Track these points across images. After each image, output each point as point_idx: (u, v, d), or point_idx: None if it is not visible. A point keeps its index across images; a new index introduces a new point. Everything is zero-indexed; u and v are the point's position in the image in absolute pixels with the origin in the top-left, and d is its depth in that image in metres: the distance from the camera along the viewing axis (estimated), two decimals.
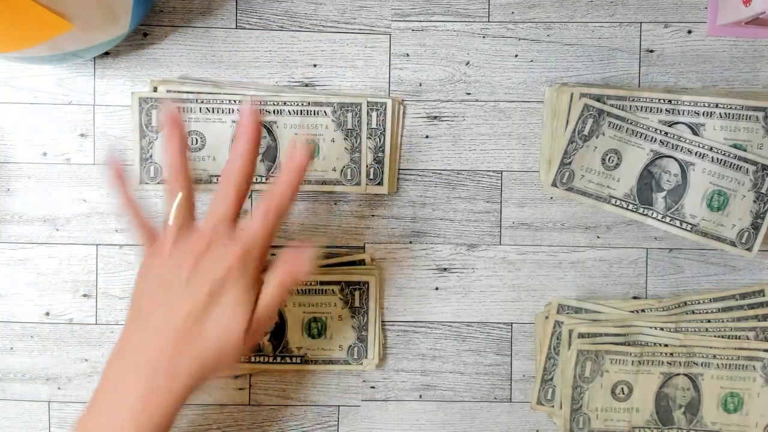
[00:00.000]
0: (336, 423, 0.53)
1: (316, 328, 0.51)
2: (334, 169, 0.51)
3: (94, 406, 0.42)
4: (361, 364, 0.51)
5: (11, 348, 0.52)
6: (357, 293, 0.51)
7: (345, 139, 0.51)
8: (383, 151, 0.51)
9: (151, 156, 0.50)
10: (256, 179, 0.51)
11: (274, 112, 0.50)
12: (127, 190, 0.44)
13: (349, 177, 0.51)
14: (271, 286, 0.43)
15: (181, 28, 0.52)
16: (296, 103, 0.50)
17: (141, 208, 0.44)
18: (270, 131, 0.51)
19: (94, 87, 0.52)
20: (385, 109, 0.51)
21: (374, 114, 0.51)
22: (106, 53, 0.51)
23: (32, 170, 0.52)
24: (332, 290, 0.51)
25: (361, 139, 0.51)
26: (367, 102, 0.50)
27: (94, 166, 0.52)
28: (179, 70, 0.52)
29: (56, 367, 0.52)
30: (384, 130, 0.51)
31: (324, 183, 0.51)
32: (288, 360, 0.52)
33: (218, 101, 0.50)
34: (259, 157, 0.51)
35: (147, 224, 0.44)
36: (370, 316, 0.51)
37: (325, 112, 0.50)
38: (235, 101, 0.50)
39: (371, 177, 0.51)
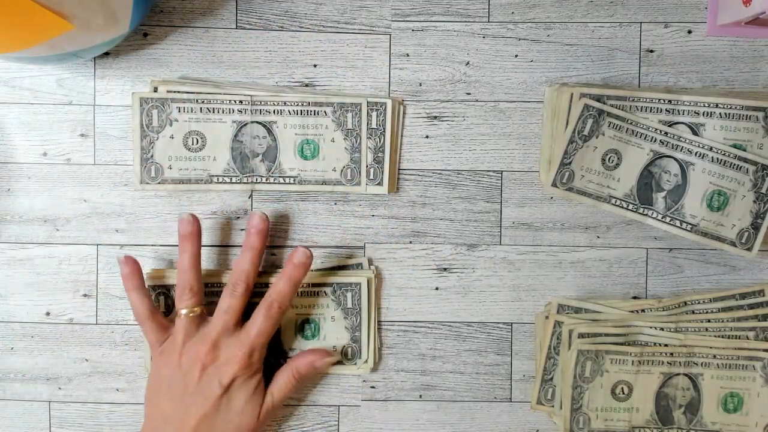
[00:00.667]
0: (336, 423, 0.53)
1: (309, 330, 0.51)
2: (334, 169, 0.51)
3: None
4: (355, 364, 0.51)
5: (11, 348, 0.52)
6: (349, 294, 0.51)
7: (345, 139, 0.51)
8: (383, 151, 0.51)
9: (151, 156, 0.50)
10: (256, 179, 0.51)
11: (274, 112, 0.50)
12: (143, 289, 0.48)
13: (349, 177, 0.51)
14: (281, 380, 0.49)
15: (181, 28, 0.52)
16: (296, 103, 0.50)
17: (153, 307, 0.48)
18: (270, 131, 0.51)
19: (94, 87, 0.52)
20: (385, 109, 0.51)
21: (374, 114, 0.51)
22: (106, 53, 0.51)
23: (32, 170, 0.52)
24: (324, 292, 0.51)
25: (361, 139, 0.51)
26: (367, 102, 0.50)
27: (94, 166, 0.52)
28: (179, 70, 0.52)
29: (56, 367, 0.52)
30: (384, 130, 0.51)
31: (324, 183, 0.51)
32: (283, 362, 0.51)
33: (218, 101, 0.50)
34: (259, 157, 0.51)
35: (160, 322, 0.48)
36: (363, 317, 0.51)
37: (325, 112, 0.50)
38: (235, 101, 0.50)
39: (371, 177, 0.51)
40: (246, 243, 0.49)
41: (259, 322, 0.47)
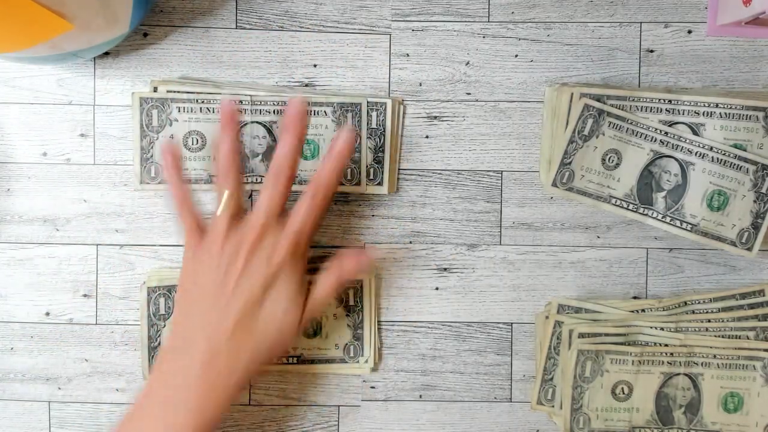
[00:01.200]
0: (336, 423, 0.53)
1: (311, 327, 0.51)
2: None
3: (139, 411, 0.41)
4: (357, 362, 0.51)
5: (11, 348, 0.52)
6: (351, 291, 0.51)
7: None
8: (383, 151, 0.51)
9: (151, 156, 0.50)
10: (255, 179, 0.51)
11: (273, 112, 0.50)
12: (181, 180, 0.44)
13: (349, 177, 0.51)
14: (326, 281, 0.44)
15: (181, 28, 0.52)
16: None
17: (193, 200, 0.44)
18: (270, 131, 0.51)
19: (94, 87, 0.52)
20: (385, 109, 0.51)
21: (374, 114, 0.51)
22: (106, 53, 0.51)
23: (32, 170, 0.52)
24: None
25: (361, 139, 0.51)
26: (367, 102, 0.50)
27: (94, 166, 0.52)
28: (179, 70, 0.52)
29: (56, 367, 0.52)
30: (384, 130, 0.51)
31: None
32: (284, 360, 0.51)
33: (218, 101, 0.50)
34: (259, 157, 0.51)
35: (197, 217, 0.44)
36: (365, 315, 0.51)
37: (325, 112, 0.50)
38: (235, 101, 0.50)
39: (371, 177, 0.51)
40: (284, 128, 0.43)
41: (304, 211, 0.43)
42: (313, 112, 0.51)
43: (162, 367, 0.42)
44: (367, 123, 0.51)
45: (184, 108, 0.50)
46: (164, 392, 0.41)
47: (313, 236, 0.44)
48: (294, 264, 0.43)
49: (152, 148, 0.50)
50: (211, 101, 0.50)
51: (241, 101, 0.50)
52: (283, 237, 0.42)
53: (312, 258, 0.51)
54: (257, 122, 0.50)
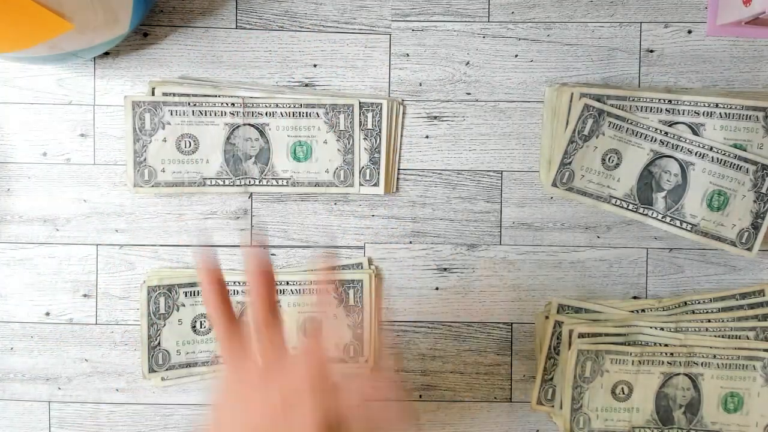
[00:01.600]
0: None
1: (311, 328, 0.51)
2: (327, 171, 0.51)
3: None
4: (357, 362, 0.51)
5: (11, 348, 0.52)
6: (351, 292, 0.51)
7: (338, 140, 0.51)
8: (379, 152, 0.51)
9: (144, 159, 0.50)
10: (249, 181, 0.51)
11: (266, 114, 0.50)
12: (226, 295, 0.39)
13: (342, 178, 0.51)
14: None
15: (181, 28, 0.52)
16: (289, 105, 0.50)
17: (236, 316, 0.39)
18: (262, 133, 0.51)
19: (94, 87, 0.52)
20: (380, 110, 0.51)
21: (370, 115, 0.51)
22: (106, 53, 0.51)
23: (32, 170, 0.52)
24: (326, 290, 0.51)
25: (353, 140, 0.51)
26: (360, 103, 0.50)
27: (93, 166, 0.52)
28: (179, 70, 0.52)
29: (56, 367, 0.52)
30: (380, 131, 0.51)
31: (317, 185, 0.51)
32: None
33: (211, 104, 0.50)
34: (252, 160, 0.51)
35: (240, 335, 0.40)
36: (365, 315, 0.51)
37: (317, 113, 0.50)
38: (227, 104, 0.50)
39: (367, 177, 0.51)
40: (250, 287, 0.39)
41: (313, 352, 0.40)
42: (305, 114, 0.51)
43: None
44: (362, 124, 0.51)
45: (176, 111, 0.50)
46: None
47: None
48: (320, 401, 0.39)
49: (145, 151, 0.50)
50: (204, 104, 0.50)
51: (233, 104, 0.50)
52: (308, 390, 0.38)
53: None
54: (249, 125, 0.50)
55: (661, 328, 0.51)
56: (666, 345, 0.50)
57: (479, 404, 0.53)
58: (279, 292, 0.51)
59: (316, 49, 0.52)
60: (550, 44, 0.52)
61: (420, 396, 0.52)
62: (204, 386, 0.52)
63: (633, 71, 0.52)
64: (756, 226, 0.51)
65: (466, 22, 0.52)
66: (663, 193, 0.51)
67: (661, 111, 0.50)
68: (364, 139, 0.51)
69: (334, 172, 0.51)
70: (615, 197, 0.51)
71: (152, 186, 0.50)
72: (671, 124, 0.50)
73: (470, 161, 0.52)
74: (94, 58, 0.51)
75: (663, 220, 0.51)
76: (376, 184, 0.51)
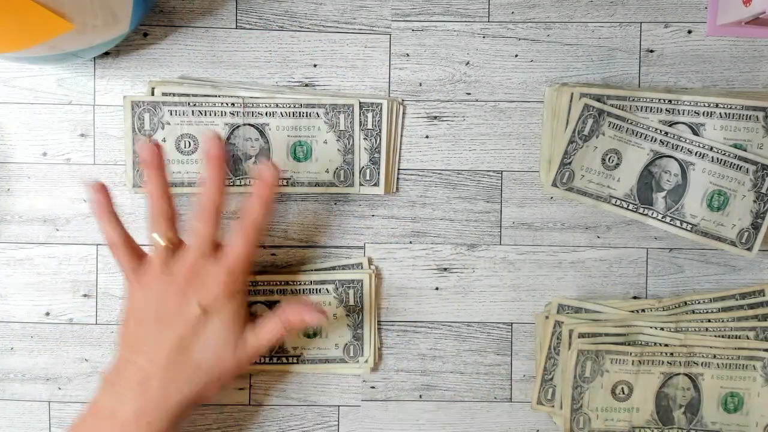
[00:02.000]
0: (336, 423, 0.53)
1: (311, 328, 0.51)
2: (327, 171, 0.51)
3: (83, 425, 0.44)
4: (357, 362, 0.52)
5: (11, 348, 0.52)
6: (351, 291, 0.51)
7: (338, 140, 0.51)
8: (379, 152, 0.51)
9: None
10: (249, 181, 0.51)
11: (266, 114, 0.50)
12: (113, 212, 0.46)
13: (342, 178, 0.51)
14: (271, 324, 0.45)
15: (181, 28, 0.52)
16: (288, 105, 0.50)
17: (125, 229, 0.46)
18: (262, 133, 0.51)
19: (94, 87, 0.52)
20: (381, 110, 0.51)
21: (369, 115, 0.51)
22: (106, 53, 0.51)
23: (32, 170, 0.52)
24: (326, 289, 0.51)
25: (353, 140, 0.51)
26: (361, 103, 0.50)
27: (94, 166, 0.52)
28: (179, 70, 0.52)
29: (56, 367, 0.52)
30: (380, 131, 0.51)
31: (317, 185, 0.51)
32: (284, 360, 0.52)
33: (210, 104, 0.50)
34: (252, 160, 0.51)
35: (133, 244, 0.46)
36: (365, 315, 0.51)
37: (317, 113, 0.50)
38: (227, 104, 0.50)
39: (367, 177, 0.51)
40: (205, 163, 0.45)
41: (236, 245, 0.44)
42: (305, 114, 0.51)
43: (104, 391, 0.44)
44: (362, 124, 0.51)
45: (176, 111, 0.50)
46: (104, 409, 0.44)
47: (248, 267, 0.45)
48: (228, 298, 0.44)
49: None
50: (203, 104, 0.50)
51: (233, 104, 0.50)
52: (218, 272, 0.44)
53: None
54: (250, 125, 0.50)
55: (661, 328, 0.51)
56: (666, 345, 0.50)
57: (479, 404, 0.53)
58: (279, 292, 0.51)
59: (316, 49, 0.52)
60: (550, 44, 0.52)
61: (420, 396, 0.53)
62: None
63: (633, 71, 0.52)
64: (756, 226, 0.51)
65: (466, 22, 0.52)
66: (663, 193, 0.51)
67: (661, 111, 0.50)
68: (364, 139, 0.51)
69: (334, 172, 0.51)
70: (615, 197, 0.51)
71: None
72: (671, 124, 0.50)
73: (470, 161, 0.52)
74: (94, 58, 0.51)
75: (663, 220, 0.51)
76: (376, 184, 0.51)
